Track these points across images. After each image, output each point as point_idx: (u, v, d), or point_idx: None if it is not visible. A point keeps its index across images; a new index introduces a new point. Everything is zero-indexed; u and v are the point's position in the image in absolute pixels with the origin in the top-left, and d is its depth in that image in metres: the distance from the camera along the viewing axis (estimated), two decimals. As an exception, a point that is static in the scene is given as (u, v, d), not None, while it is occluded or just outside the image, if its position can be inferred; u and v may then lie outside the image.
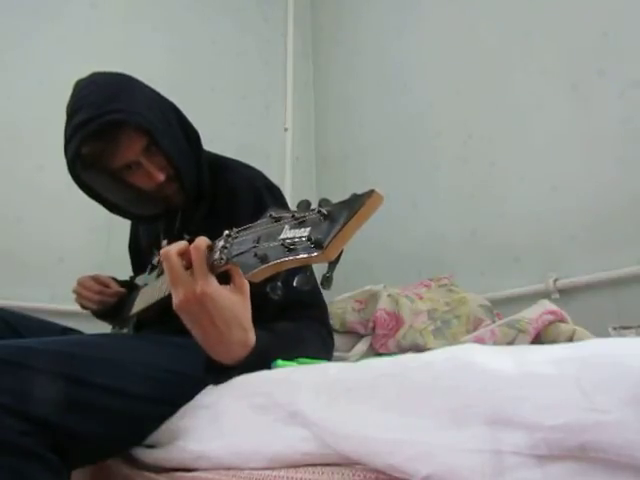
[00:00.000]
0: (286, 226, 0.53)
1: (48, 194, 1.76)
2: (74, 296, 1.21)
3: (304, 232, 0.49)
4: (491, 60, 1.66)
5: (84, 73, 1.00)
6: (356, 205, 0.46)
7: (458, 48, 1.78)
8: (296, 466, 0.49)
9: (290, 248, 0.50)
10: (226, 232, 0.62)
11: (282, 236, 0.52)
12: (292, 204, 1.12)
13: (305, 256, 0.48)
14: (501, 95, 1.61)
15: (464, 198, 1.68)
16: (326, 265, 0.51)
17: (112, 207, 1.04)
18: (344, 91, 2.33)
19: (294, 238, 0.50)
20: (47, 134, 1.74)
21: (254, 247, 0.55)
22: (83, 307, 1.22)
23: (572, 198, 1.38)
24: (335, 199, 0.51)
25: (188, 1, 2.29)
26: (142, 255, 1.27)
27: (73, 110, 0.94)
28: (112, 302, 1.21)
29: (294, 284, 0.52)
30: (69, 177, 0.97)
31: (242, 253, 0.57)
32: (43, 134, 1.73)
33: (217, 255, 0.61)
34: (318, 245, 0.47)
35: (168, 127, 0.98)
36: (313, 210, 0.50)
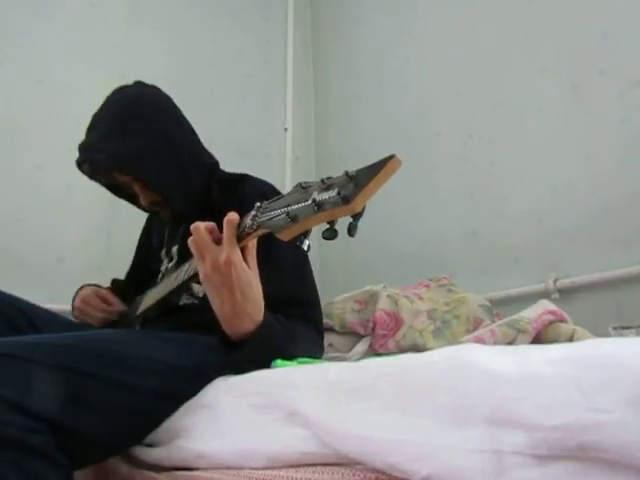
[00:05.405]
0: (315, 191, 0.57)
1: (48, 194, 1.76)
2: (74, 304, 1.20)
3: (332, 193, 0.55)
4: (491, 60, 1.65)
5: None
6: (379, 167, 0.53)
7: (458, 48, 1.77)
8: (296, 466, 0.49)
9: (319, 205, 0.55)
10: (257, 204, 0.67)
11: (312, 198, 0.56)
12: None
13: (334, 209, 0.54)
14: (501, 95, 1.61)
15: (464, 198, 1.68)
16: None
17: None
18: (344, 91, 2.33)
19: (323, 198, 0.55)
20: (47, 134, 1.74)
21: (285, 210, 0.59)
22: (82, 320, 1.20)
23: (572, 198, 1.38)
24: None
25: (188, 1, 2.29)
26: (149, 255, 1.26)
27: (89, 124, 1.06)
28: (114, 318, 1.20)
29: (322, 236, 0.56)
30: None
31: (272, 218, 0.62)
32: (43, 134, 1.72)
33: (249, 221, 0.66)
34: (345, 199, 0.53)
35: (156, 158, 1.02)
36: (339, 176, 0.56)
